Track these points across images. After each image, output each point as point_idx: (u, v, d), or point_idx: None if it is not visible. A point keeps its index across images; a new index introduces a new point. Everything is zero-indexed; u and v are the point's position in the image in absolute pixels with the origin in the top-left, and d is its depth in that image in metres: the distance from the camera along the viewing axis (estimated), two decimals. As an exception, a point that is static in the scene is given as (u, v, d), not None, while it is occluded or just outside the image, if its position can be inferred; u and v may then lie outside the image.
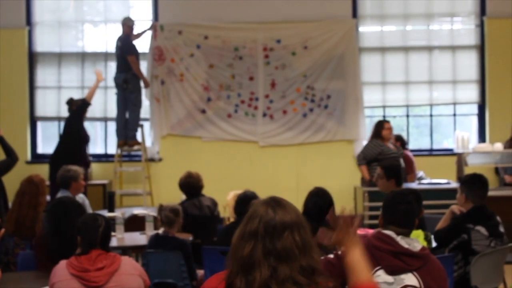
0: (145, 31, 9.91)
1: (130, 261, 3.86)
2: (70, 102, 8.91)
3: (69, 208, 4.58)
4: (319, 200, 5.08)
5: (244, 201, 5.35)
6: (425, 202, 5.58)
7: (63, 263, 3.72)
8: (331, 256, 3.52)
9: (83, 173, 6.70)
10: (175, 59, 10.00)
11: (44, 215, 5.11)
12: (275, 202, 2.38)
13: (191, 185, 6.55)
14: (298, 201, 4.00)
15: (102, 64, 10.21)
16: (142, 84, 9.61)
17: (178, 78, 9.99)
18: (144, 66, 9.79)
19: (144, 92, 9.78)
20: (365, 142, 9.99)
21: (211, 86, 10.00)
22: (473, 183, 5.31)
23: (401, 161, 8.36)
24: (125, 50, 9.33)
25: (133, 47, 9.46)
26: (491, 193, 7.46)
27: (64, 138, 8.81)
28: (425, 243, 4.57)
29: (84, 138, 8.75)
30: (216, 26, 9.98)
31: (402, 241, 3.50)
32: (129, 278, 3.74)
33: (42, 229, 5.08)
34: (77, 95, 9.61)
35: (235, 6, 9.96)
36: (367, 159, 8.51)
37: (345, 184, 8.91)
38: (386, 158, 8.30)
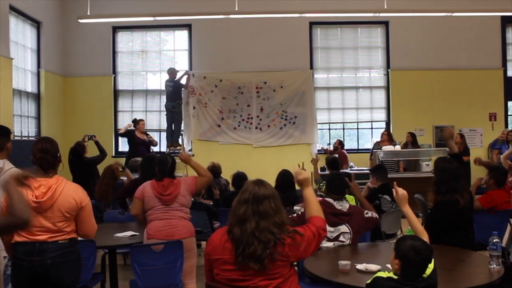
0: (182, 76, 9.87)
1: (185, 186, 3.83)
2: (134, 121, 9.02)
3: (151, 161, 4.58)
4: (284, 177, 5.13)
5: (238, 178, 5.46)
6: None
7: (148, 184, 3.76)
8: (294, 215, 3.55)
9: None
10: (202, 94, 9.96)
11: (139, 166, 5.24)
12: (259, 182, 2.36)
13: (215, 170, 6.51)
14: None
15: (157, 97, 10.19)
16: (182, 108, 9.58)
17: (203, 105, 9.96)
18: (183, 97, 9.78)
19: (183, 114, 9.73)
20: (318, 145, 10.06)
21: (224, 110, 9.97)
22: (379, 170, 5.36)
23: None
24: (177, 86, 9.41)
25: (180, 84, 9.57)
26: (393, 175, 7.52)
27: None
28: (353, 202, 4.57)
29: (150, 143, 8.84)
30: (227, 73, 9.95)
31: (337, 204, 3.55)
32: (185, 197, 3.84)
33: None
34: (141, 116, 9.63)
35: (238, 61, 9.94)
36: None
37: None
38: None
